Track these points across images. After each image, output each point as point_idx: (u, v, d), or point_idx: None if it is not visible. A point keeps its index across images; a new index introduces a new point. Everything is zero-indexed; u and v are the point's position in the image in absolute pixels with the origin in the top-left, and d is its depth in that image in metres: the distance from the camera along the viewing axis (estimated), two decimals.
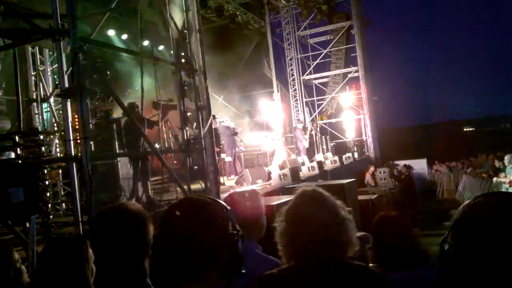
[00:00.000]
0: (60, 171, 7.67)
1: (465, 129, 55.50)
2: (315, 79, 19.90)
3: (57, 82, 6.85)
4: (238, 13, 15.89)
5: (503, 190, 11.15)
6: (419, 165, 17.56)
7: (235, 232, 1.20)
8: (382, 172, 15.46)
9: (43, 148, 5.51)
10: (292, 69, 19.32)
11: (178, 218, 1.19)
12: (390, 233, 2.40)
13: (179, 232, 1.16)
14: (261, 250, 2.11)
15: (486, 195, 1.01)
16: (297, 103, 19.25)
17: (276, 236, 1.68)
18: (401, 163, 16.37)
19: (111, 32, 10.87)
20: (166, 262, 1.18)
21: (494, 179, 12.66)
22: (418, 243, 2.48)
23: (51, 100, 7.44)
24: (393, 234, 2.38)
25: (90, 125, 5.55)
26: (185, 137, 6.59)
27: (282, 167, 10.52)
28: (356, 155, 16.51)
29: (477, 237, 0.91)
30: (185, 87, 6.69)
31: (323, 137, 18.46)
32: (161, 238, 1.10)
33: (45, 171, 6.39)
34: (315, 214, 1.60)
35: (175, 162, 10.98)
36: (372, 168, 15.17)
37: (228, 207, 1.24)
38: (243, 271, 1.20)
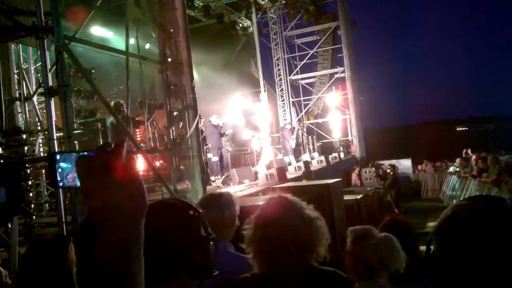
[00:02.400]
0: (43, 171, 7.55)
1: (458, 129, 55.89)
2: (301, 79, 19.98)
3: (40, 81, 6.74)
4: (225, 12, 15.86)
5: (486, 190, 11.34)
6: (404, 165, 17.77)
7: (207, 235, 1.21)
8: (367, 172, 15.59)
9: (26, 148, 5.43)
10: (279, 69, 19.36)
11: (149, 220, 1.20)
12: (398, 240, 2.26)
13: (151, 234, 1.17)
14: (233, 248, 2.14)
15: (469, 199, 1.02)
16: (284, 103, 19.31)
17: (245, 243, 1.72)
18: (386, 162, 16.54)
19: (96, 30, 10.74)
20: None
21: (477, 179, 12.88)
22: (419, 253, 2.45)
23: (35, 98, 7.31)
24: (400, 241, 2.24)
25: (75, 124, 5.49)
26: (171, 137, 6.55)
27: (269, 167, 10.53)
28: (342, 155, 16.62)
29: (459, 241, 0.92)
30: (172, 87, 6.65)
31: (310, 137, 18.55)
32: None
33: (28, 170, 6.29)
34: (281, 218, 1.65)
35: (161, 161, 10.91)
36: (357, 168, 15.30)
37: (200, 210, 1.25)
38: (215, 273, 1.22)
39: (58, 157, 0.80)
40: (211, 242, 1.21)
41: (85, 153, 0.78)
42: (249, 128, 15.22)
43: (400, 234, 2.35)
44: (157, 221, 1.17)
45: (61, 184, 0.80)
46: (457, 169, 15.08)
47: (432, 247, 0.98)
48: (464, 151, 16.30)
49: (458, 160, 15.66)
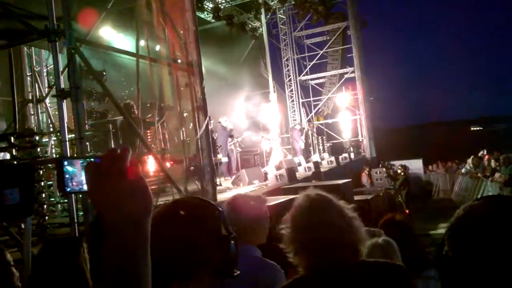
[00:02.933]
0: (56, 172, 7.64)
1: (472, 128, 55.01)
2: (311, 79, 19.93)
3: (52, 83, 6.83)
4: (234, 14, 15.90)
5: (497, 190, 11.20)
6: (415, 165, 17.63)
7: (228, 234, 1.19)
8: (378, 173, 15.50)
9: (38, 149, 5.49)
10: (288, 70, 19.34)
11: (170, 219, 1.19)
12: (396, 238, 2.33)
13: (171, 233, 1.16)
14: (261, 254, 2.10)
15: (481, 198, 1.01)
16: (294, 104, 19.28)
17: (284, 244, 1.66)
18: (397, 163, 16.43)
19: (107, 33, 10.84)
20: (159, 262, 1.19)
21: (490, 179, 12.74)
22: (423, 249, 2.46)
23: (47, 100, 7.40)
24: (400, 239, 2.32)
25: (86, 125, 5.55)
26: (182, 138, 6.58)
27: (278, 168, 10.53)
28: (352, 155, 16.54)
29: (472, 242, 0.91)
30: (182, 88, 6.69)
31: (320, 137, 18.49)
32: (154, 239, 1.09)
33: (41, 172, 6.37)
34: (325, 219, 1.59)
35: (171, 162, 10.96)
36: (367, 169, 15.21)
37: (220, 209, 1.23)
38: (236, 273, 1.19)
39: (65, 163, 0.83)
40: (232, 242, 1.19)
41: (92, 159, 0.81)
42: (258, 129, 15.22)
43: (399, 231, 2.37)
44: (177, 220, 1.18)
45: (68, 189, 0.83)
46: (470, 170, 14.90)
47: (445, 248, 0.97)
48: (481, 153, 16.06)
49: (470, 160, 15.48)
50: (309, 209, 1.64)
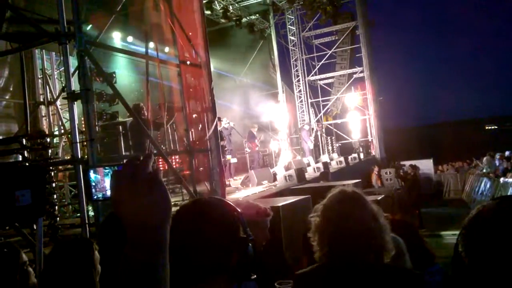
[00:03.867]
0: (67, 173, 7.72)
1: (487, 127, 54.10)
2: (320, 79, 19.87)
3: (63, 85, 6.90)
4: (243, 14, 15.92)
5: (510, 189, 11.06)
6: (426, 166, 17.47)
7: (246, 236, 1.17)
8: (388, 173, 15.40)
9: (50, 151, 5.55)
10: (297, 70, 19.30)
11: (188, 219, 1.18)
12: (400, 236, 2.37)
13: (189, 233, 1.15)
14: None
15: (494, 199, 1.01)
16: (302, 104, 19.24)
17: (311, 231, 1.66)
18: (407, 163, 16.30)
19: (116, 35, 10.93)
20: (176, 264, 1.17)
21: (501, 179, 12.58)
22: (426, 247, 2.48)
23: (58, 102, 7.49)
24: (403, 237, 2.35)
25: (96, 127, 5.60)
26: (191, 139, 6.61)
27: (287, 168, 10.51)
28: (361, 155, 16.46)
29: (487, 243, 0.91)
30: (191, 89, 6.71)
31: (329, 138, 18.42)
32: (171, 240, 1.07)
33: (52, 173, 6.43)
34: (358, 216, 1.59)
35: (180, 162, 11.01)
36: (376, 169, 15.12)
37: (239, 210, 1.20)
38: (253, 276, 1.17)
39: (91, 172, 0.86)
40: (250, 244, 1.16)
41: (116, 167, 0.83)
42: (267, 130, 15.22)
43: (404, 233, 2.39)
44: (194, 221, 1.16)
45: (94, 197, 0.85)
46: (484, 170, 14.66)
47: (459, 249, 0.97)
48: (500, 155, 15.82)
49: (485, 159, 15.23)
50: (342, 203, 1.64)
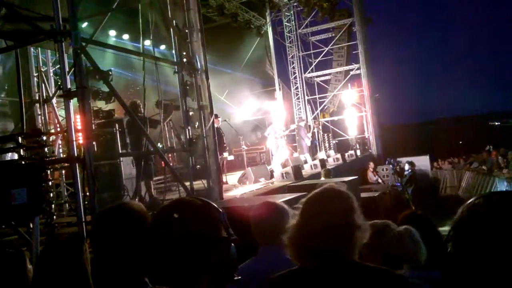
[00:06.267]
0: (63, 171, 7.70)
1: (490, 123, 53.81)
2: (317, 76, 19.87)
3: (59, 83, 6.87)
4: (239, 11, 15.88)
5: (505, 185, 11.11)
6: (422, 162, 17.53)
7: (228, 236, 1.14)
8: (384, 169, 15.44)
9: (46, 149, 5.53)
10: (293, 67, 19.29)
11: (167, 220, 1.15)
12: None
13: (168, 234, 1.12)
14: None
15: (486, 195, 1.01)
16: (299, 101, 19.24)
17: (287, 230, 1.59)
18: (404, 160, 16.35)
19: (112, 33, 10.89)
20: (157, 265, 1.13)
21: (498, 174, 12.64)
22: (440, 234, 2.51)
23: (54, 101, 7.46)
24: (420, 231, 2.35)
25: (93, 125, 5.57)
26: (188, 136, 6.60)
27: (284, 166, 10.52)
28: (358, 152, 16.49)
29: (477, 238, 0.91)
30: (187, 87, 6.70)
31: (325, 135, 18.44)
32: (152, 241, 1.04)
33: (48, 171, 6.41)
34: (331, 210, 1.51)
35: (177, 161, 11.00)
36: (371, 165, 15.15)
37: (221, 210, 1.17)
38: (237, 277, 1.14)
39: None
40: (232, 244, 1.14)
41: None
42: (264, 127, 15.22)
43: (420, 226, 2.40)
44: (173, 222, 1.13)
45: None
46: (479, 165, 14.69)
47: (449, 247, 0.97)
48: (488, 148, 15.86)
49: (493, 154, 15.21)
50: (318, 198, 1.58)
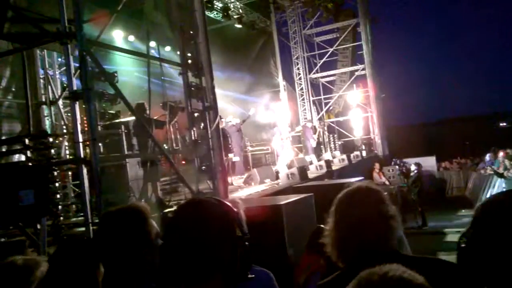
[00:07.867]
0: (70, 173, 7.74)
1: (500, 125, 53.16)
2: (322, 77, 19.84)
3: (65, 85, 6.91)
4: (243, 13, 15.90)
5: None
6: (429, 163, 17.44)
7: (242, 235, 1.16)
8: (390, 170, 15.37)
9: (52, 151, 5.56)
10: (298, 68, 19.28)
11: (183, 219, 1.18)
12: None
13: (184, 233, 1.14)
14: None
15: (503, 193, 1.01)
16: (304, 102, 19.22)
17: (324, 234, 1.60)
18: (411, 161, 16.27)
19: (117, 34, 10.93)
20: (172, 264, 1.16)
21: (505, 173, 12.55)
22: None
23: (60, 102, 7.50)
24: None
25: (99, 127, 5.61)
26: (193, 138, 6.61)
27: (290, 166, 10.51)
28: (364, 153, 16.43)
29: (494, 235, 0.91)
30: (192, 88, 6.72)
31: (331, 135, 18.40)
32: (167, 240, 1.06)
33: (55, 173, 6.44)
34: (357, 206, 1.54)
35: (183, 162, 11.01)
36: (377, 166, 15.09)
37: (235, 209, 1.20)
38: (251, 276, 1.15)
39: None
40: (246, 243, 1.15)
41: None
42: (269, 128, 15.21)
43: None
44: (189, 220, 1.16)
45: None
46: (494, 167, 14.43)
47: (462, 243, 0.97)
48: (492, 148, 15.72)
49: (501, 155, 15.05)
50: (353, 194, 1.61)
